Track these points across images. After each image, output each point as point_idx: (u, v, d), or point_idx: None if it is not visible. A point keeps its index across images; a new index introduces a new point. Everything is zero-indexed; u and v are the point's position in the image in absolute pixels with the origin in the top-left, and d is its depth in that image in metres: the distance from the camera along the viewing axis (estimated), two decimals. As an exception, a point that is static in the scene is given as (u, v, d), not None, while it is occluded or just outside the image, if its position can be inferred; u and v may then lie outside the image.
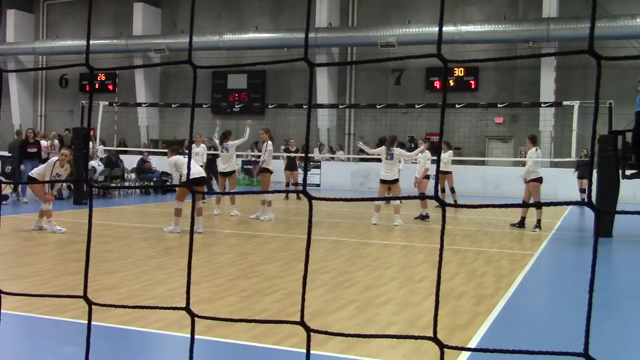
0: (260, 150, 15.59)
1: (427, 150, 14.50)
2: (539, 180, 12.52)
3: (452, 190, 16.70)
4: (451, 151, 17.30)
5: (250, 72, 28.11)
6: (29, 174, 11.53)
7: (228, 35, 26.85)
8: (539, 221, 12.51)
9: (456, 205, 1.88)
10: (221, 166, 14.11)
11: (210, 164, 17.88)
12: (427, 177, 14.48)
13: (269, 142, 13.72)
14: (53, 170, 10.60)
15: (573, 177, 19.35)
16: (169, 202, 15.25)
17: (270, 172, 13.83)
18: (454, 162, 18.20)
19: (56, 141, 17.73)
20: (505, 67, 24.62)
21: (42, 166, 11.19)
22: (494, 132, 25.09)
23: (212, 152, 17.58)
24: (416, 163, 14.97)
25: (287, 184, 19.27)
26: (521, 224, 12.95)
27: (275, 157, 16.62)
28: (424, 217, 14.01)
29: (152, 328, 5.06)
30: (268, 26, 27.51)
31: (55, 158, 10.94)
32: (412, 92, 25.28)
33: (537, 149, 12.98)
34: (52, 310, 5.43)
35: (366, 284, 7.10)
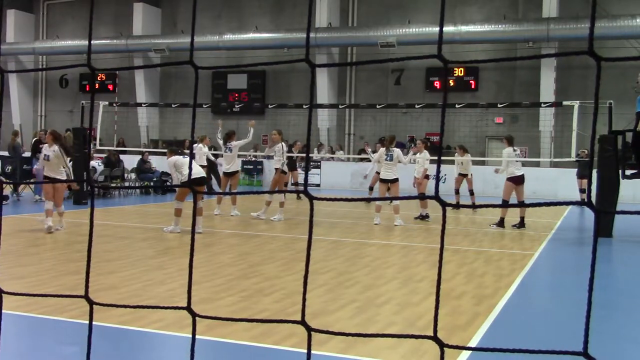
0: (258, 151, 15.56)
1: (425, 151, 14.50)
2: (513, 179, 12.63)
3: (471, 192, 16.58)
4: (469, 154, 17.19)
5: (250, 72, 28.10)
6: (35, 170, 11.57)
7: (228, 35, 26.85)
8: (502, 219, 12.76)
9: (456, 206, 1.89)
10: (224, 166, 14.08)
11: (211, 164, 17.89)
12: (426, 177, 14.49)
13: (282, 143, 13.57)
14: (42, 154, 10.79)
15: (573, 177, 19.36)
16: (169, 202, 15.26)
17: (285, 172, 13.79)
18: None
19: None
20: (505, 67, 24.63)
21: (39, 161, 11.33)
22: (494, 132, 25.08)
23: (213, 152, 17.59)
24: (413, 163, 14.98)
25: (286, 184, 19.32)
26: (521, 223, 12.98)
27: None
28: (423, 217, 14.01)
29: (152, 328, 5.07)
30: (268, 26, 27.51)
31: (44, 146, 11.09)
32: (412, 92, 25.28)
33: (514, 149, 13.12)
34: (52, 310, 5.43)
35: (366, 284, 7.10)
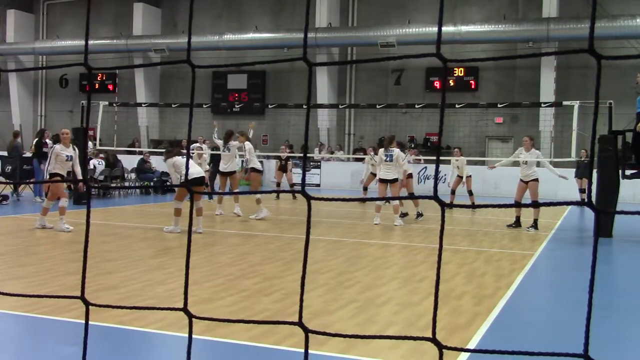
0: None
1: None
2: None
3: (470, 192, 16.65)
4: (463, 157, 17.11)
5: (250, 72, 28.11)
6: (52, 171, 10.94)
7: (228, 35, 26.84)
8: (517, 218, 12.85)
9: (455, 206, 1.88)
10: (222, 166, 14.12)
11: (214, 164, 17.96)
12: (409, 175, 14.38)
13: (247, 142, 13.79)
14: (60, 155, 10.70)
15: (573, 177, 19.36)
16: (169, 202, 15.25)
17: (260, 171, 13.94)
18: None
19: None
20: (505, 67, 24.61)
21: (51, 161, 10.94)
22: (494, 132, 25.08)
23: (214, 152, 17.63)
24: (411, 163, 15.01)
25: (278, 184, 19.67)
26: (517, 223, 12.99)
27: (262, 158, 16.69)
28: (404, 215, 13.96)
29: (151, 328, 5.06)
30: (268, 26, 27.50)
31: (56, 146, 10.93)
32: (412, 92, 25.28)
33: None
34: (52, 310, 5.42)
35: (366, 284, 7.09)
